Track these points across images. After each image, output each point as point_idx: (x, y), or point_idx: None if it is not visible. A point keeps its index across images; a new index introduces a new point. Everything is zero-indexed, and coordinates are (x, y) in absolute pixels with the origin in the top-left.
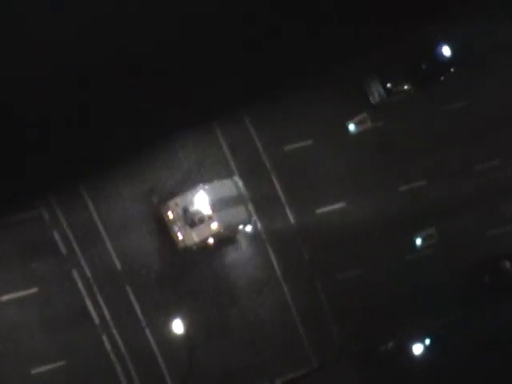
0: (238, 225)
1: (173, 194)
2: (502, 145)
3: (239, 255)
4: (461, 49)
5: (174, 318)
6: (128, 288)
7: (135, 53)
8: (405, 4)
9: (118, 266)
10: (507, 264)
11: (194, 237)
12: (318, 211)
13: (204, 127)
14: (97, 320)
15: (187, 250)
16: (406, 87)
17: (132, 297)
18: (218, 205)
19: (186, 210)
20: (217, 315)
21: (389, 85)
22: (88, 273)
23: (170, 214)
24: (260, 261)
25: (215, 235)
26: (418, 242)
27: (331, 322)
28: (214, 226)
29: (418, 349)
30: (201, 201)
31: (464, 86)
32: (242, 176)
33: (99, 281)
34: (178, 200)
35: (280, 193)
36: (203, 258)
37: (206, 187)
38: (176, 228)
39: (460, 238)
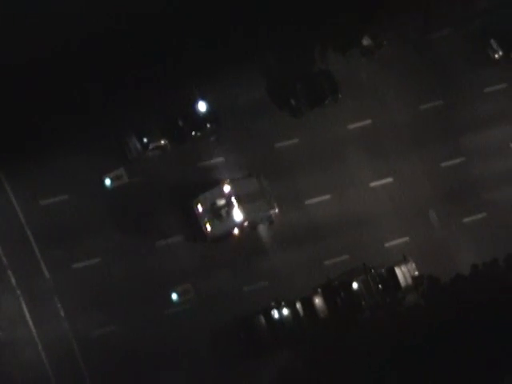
0: (261, 217)
1: None
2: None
3: None
4: (217, 105)
5: None
6: None
7: None
8: (164, 61)
9: None
10: (262, 319)
11: (221, 228)
12: (74, 266)
13: None
14: None
15: (215, 240)
16: (162, 142)
17: None
18: (243, 199)
19: (213, 204)
20: None
21: (145, 140)
22: None
23: (200, 208)
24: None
25: (240, 227)
26: (174, 296)
27: (88, 380)
28: (239, 218)
29: None
30: (227, 195)
31: (221, 142)
32: None
33: None
34: (207, 194)
35: (36, 248)
36: None
37: (233, 183)
38: (205, 220)
39: (216, 293)
